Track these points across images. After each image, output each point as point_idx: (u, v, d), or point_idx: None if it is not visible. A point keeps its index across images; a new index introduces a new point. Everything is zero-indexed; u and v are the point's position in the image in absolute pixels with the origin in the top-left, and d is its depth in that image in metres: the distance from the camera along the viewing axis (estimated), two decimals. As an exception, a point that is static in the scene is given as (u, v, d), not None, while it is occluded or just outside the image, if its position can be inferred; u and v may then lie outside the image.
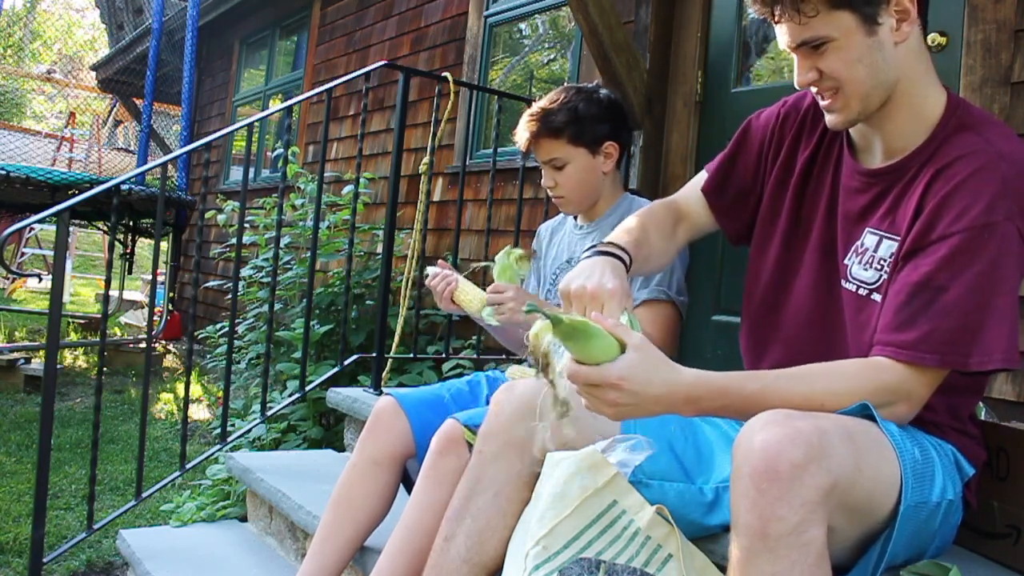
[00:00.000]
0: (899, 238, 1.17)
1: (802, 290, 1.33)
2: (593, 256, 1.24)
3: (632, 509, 1.16)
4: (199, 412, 4.53)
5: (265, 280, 3.64)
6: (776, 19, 1.15)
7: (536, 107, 1.77)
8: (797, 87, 1.22)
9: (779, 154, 1.38)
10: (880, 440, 1.06)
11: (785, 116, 1.38)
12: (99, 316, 6.33)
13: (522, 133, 1.77)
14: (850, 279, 1.24)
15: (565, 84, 1.87)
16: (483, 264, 1.78)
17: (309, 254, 2.65)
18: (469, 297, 1.75)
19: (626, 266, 1.25)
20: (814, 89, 1.20)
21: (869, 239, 1.22)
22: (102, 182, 3.52)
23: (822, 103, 1.21)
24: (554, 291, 1.88)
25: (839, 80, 1.15)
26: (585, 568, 1.13)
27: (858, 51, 1.13)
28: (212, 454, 2.49)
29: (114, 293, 6.23)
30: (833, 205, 1.30)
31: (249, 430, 2.64)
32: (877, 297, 1.19)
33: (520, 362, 1.96)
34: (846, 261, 1.25)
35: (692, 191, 1.48)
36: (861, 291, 1.22)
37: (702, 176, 1.48)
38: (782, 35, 1.17)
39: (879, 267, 1.19)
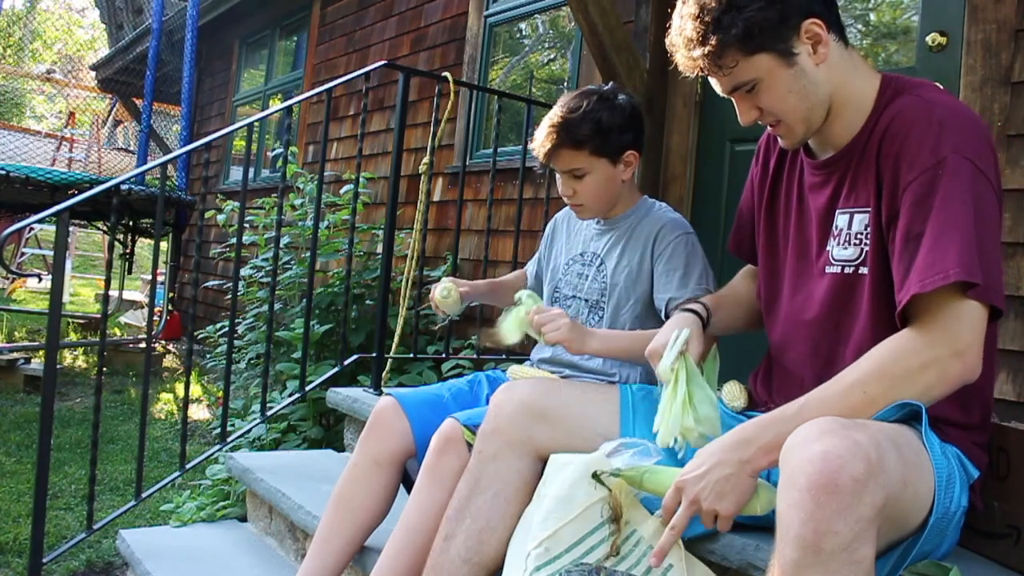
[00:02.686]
0: (868, 209, 1.22)
1: (787, 294, 1.37)
2: (674, 314, 1.42)
3: (636, 519, 1.16)
4: (199, 412, 4.53)
5: (265, 280, 3.64)
6: (704, 74, 1.23)
7: (556, 116, 1.69)
8: (742, 126, 1.29)
9: (758, 177, 1.48)
10: (922, 454, 1.07)
11: (762, 143, 1.49)
12: (99, 316, 6.34)
13: (542, 143, 1.69)
14: (834, 261, 1.27)
15: (582, 87, 1.82)
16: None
17: (309, 254, 2.65)
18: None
19: (702, 318, 1.39)
20: (760, 122, 1.27)
21: (841, 220, 1.27)
22: (102, 182, 3.52)
23: (770, 130, 1.31)
24: (564, 281, 1.89)
25: (777, 113, 1.24)
26: (586, 573, 1.13)
27: (786, 84, 1.21)
28: (212, 454, 2.49)
29: (114, 293, 6.23)
30: (803, 207, 1.35)
31: (249, 430, 2.64)
32: (864, 270, 1.23)
33: (521, 362, 1.96)
34: (828, 248, 1.29)
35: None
36: (847, 269, 1.25)
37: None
38: (715, 85, 1.26)
39: (857, 242, 1.24)
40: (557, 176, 1.77)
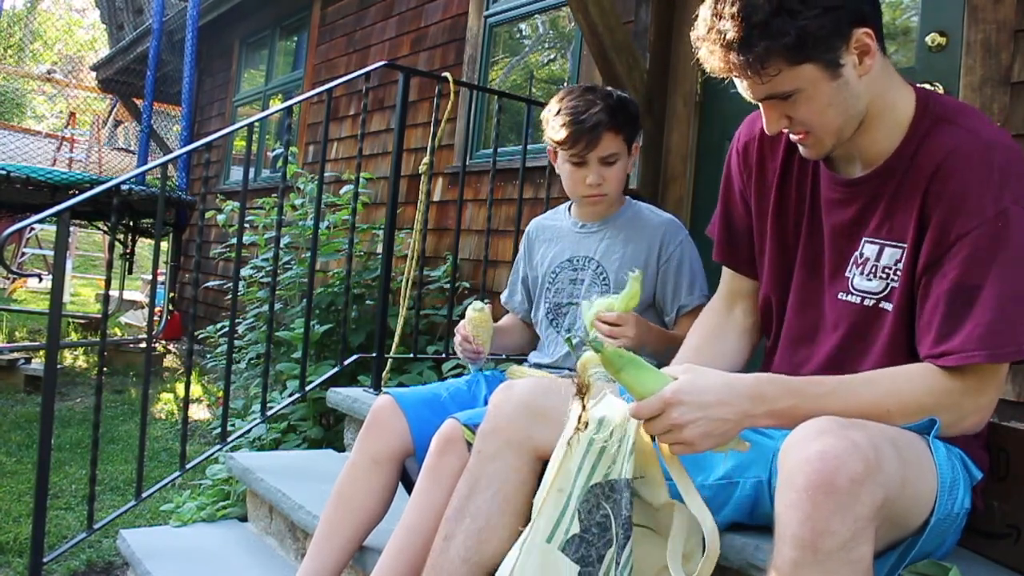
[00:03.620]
0: (904, 245, 1.16)
1: (792, 312, 1.33)
2: None
3: (619, 425, 1.12)
4: (199, 412, 4.53)
5: (265, 280, 3.64)
6: (735, 76, 1.14)
7: (598, 102, 1.68)
8: (768, 134, 1.21)
9: (753, 182, 1.37)
10: (924, 455, 1.06)
11: (745, 146, 1.38)
12: (99, 316, 6.33)
13: (593, 125, 1.66)
14: (853, 291, 1.23)
15: (580, 84, 1.85)
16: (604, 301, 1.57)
17: (309, 254, 2.65)
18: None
19: None
20: (786, 130, 1.19)
21: (868, 249, 1.21)
22: (102, 182, 3.52)
23: (794, 138, 1.21)
24: (553, 290, 1.88)
25: (810, 125, 1.16)
26: (601, 494, 1.11)
27: (827, 97, 1.12)
28: (212, 454, 2.49)
29: (114, 293, 6.22)
30: (815, 220, 1.29)
31: (249, 430, 2.64)
32: (886, 305, 1.18)
33: (520, 362, 1.96)
34: (847, 273, 1.24)
35: (723, 275, 1.50)
36: (867, 302, 1.21)
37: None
38: (744, 90, 1.16)
39: (884, 276, 1.19)
40: (571, 171, 1.74)
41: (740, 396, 1.04)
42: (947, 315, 1.08)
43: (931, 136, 1.15)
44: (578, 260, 1.84)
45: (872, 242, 1.20)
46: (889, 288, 1.18)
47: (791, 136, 1.21)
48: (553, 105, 1.76)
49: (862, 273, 1.21)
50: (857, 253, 1.22)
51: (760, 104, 1.17)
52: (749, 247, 1.42)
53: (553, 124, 1.73)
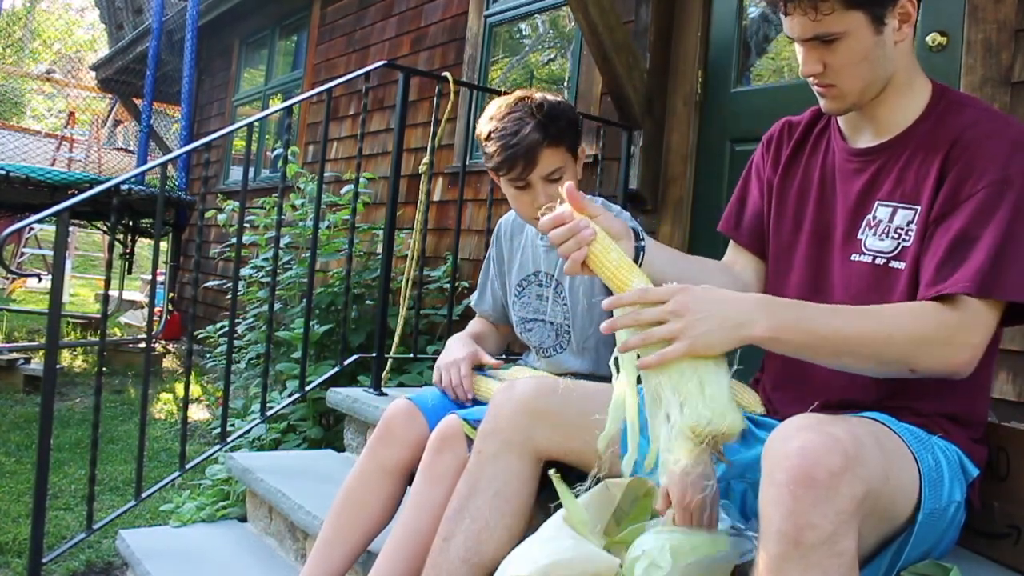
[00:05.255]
0: (917, 207, 1.22)
1: (798, 281, 1.36)
2: None
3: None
4: (199, 412, 4.53)
5: (265, 280, 3.64)
6: (787, 12, 1.20)
7: (523, 120, 1.56)
8: (801, 76, 1.27)
9: (769, 169, 1.47)
10: (901, 448, 1.08)
11: (771, 136, 1.49)
12: (98, 316, 6.34)
13: (527, 147, 1.54)
14: (866, 251, 1.28)
15: (508, 97, 1.65)
16: None
17: (309, 254, 2.65)
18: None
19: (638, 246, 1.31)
20: (813, 79, 1.26)
21: (882, 211, 1.27)
22: (102, 182, 3.51)
23: (818, 89, 1.28)
24: (519, 303, 1.84)
25: (841, 74, 1.22)
26: None
27: (864, 49, 1.20)
28: (212, 454, 2.49)
29: (113, 293, 6.22)
30: (825, 191, 1.35)
31: (249, 430, 2.63)
32: (897, 264, 1.23)
33: (515, 362, 1.96)
34: (859, 235, 1.29)
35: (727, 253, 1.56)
36: (879, 260, 1.26)
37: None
38: (791, 27, 1.22)
39: (896, 236, 1.24)
40: (516, 195, 1.64)
41: (746, 299, 1.11)
42: (945, 259, 1.15)
43: (948, 114, 1.23)
44: (542, 276, 1.79)
45: (885, 205, 1.26)
46: (901, 247, 1.24)
47: (816, 88, 1.27)
48: (483, 126, 1.63)
49: (875, 234, 1.27)
50: (870, 216, 1.28)
51: (801, 45, 1.23)
52: (754, 223, 1.49)
53: (486, 150, 1.62)
